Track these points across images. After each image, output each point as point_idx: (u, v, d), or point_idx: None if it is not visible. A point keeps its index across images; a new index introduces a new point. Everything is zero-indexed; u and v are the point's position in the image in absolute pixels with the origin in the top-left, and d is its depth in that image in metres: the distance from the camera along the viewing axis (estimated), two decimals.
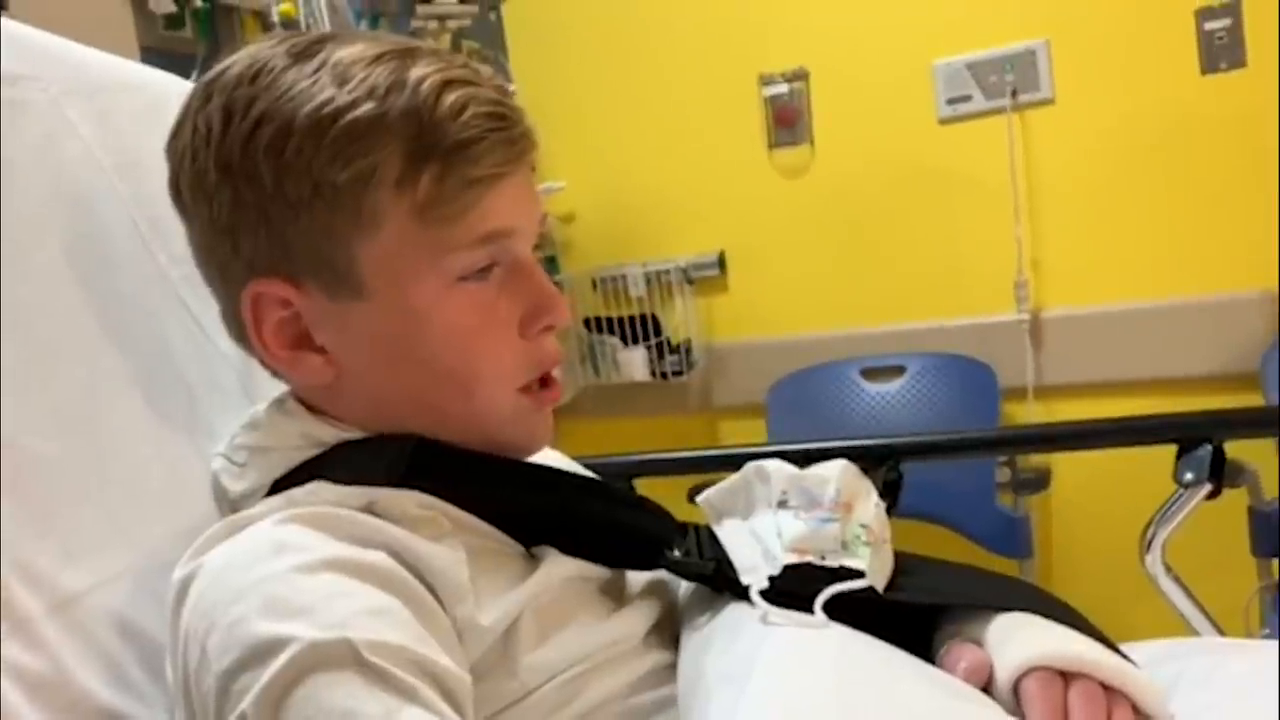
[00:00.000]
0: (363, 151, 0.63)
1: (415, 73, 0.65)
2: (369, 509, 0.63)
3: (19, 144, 0.77)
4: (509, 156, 0.66)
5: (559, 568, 0.68)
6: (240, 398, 0.83)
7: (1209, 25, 1.86)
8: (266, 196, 0.64)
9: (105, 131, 0.85)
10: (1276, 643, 0.64)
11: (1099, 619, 0.66)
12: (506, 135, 0.66)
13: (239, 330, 0.70)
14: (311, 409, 0.71)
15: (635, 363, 2.34)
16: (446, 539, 0.63)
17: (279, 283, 0.66)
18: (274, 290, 0.67)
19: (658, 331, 2.33)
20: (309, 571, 0.57)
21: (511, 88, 0.71)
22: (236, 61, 0.68)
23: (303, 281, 0.66)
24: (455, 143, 0.64)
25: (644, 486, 1.11)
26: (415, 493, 0.65)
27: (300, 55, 0.66)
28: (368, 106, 0.63)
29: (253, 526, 0.61)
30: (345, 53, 0.66)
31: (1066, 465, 1.96)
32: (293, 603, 0.55)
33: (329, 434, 0.69)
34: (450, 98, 0.64)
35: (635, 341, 2.34)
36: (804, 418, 2.13)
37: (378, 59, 0.65)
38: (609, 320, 2.37)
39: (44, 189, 0.78)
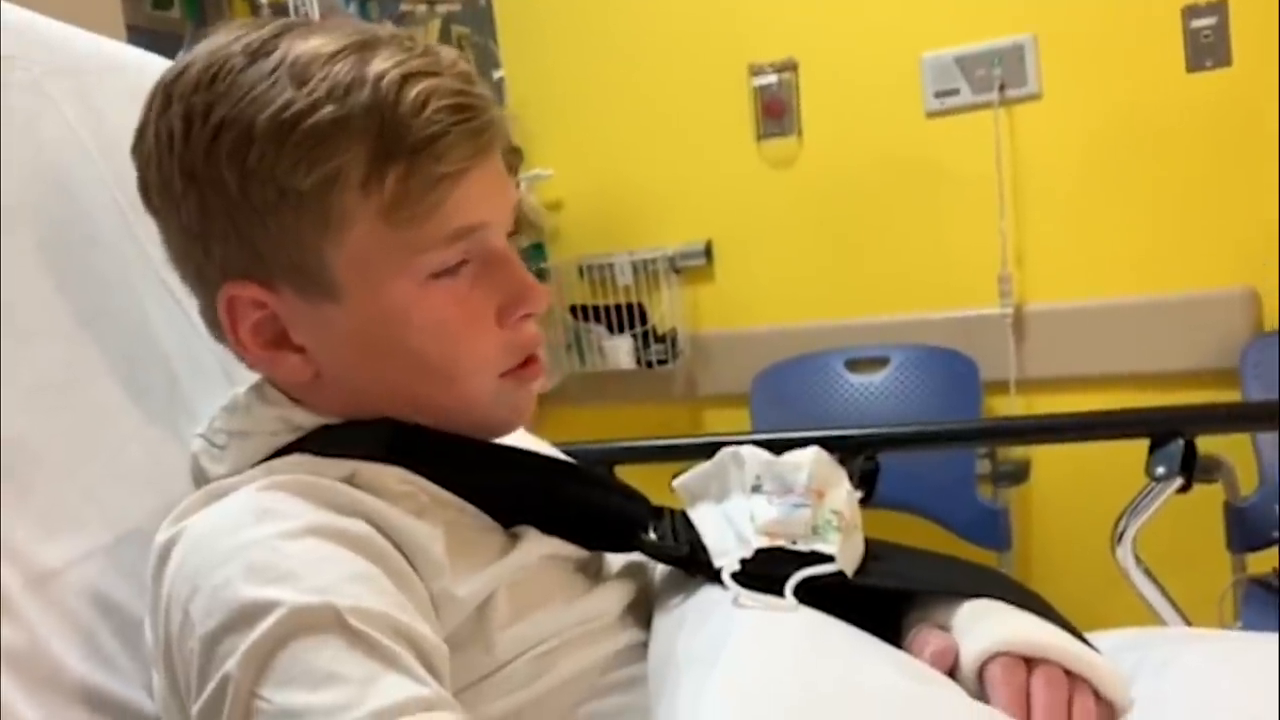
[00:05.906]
0: (326, 155, 0.62)
1: (374, 68, 0.63)
2: (349, 480, 0.64)
3: (1, 125, 0.78)
4: (475, 149, 0.65)
5: (537, 546, 0.68)
6: (221, 378, 0.83)
7: (1195, 23, 1.86)
8: (232, 203, 0.64)
9: (88, 112, 0.85)
10: (1235, 631, 0.65)
11: (1076, 610, 0.67)
12: (471, 127, 0.64)
13: (217, 329, 0.70)
14: (291, 397, 0.71)
15: (621, 351, 2.34)
16: (425, 514, 0.64)
17: (253, 286, 0.66)
18: (248, 293, 0.66)
19: (643, 320, 2.33)
20: (292, 537, 0.57)
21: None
22: (193, 62, 0.66)
23: (276, 284, 0.66)
24: (418, 140, 0.62)
25: (625, 473, 1.12)
26: (395, 468, 0.66)
27: (257, 53, 0.64)
28: (328, 109, 0.62)
29: (234, 493, 0.62)
30: (303, 48, 0.64)
31: (1046, 458, 1.97)
32: (277, 567, 0.55)
33: (308, 420, 0.69)
34: (411, 93, 0.62)
35: (621, 330, 2.34)
36: (787, 408, 2.13)
37: (335, 55, 0.63)
38: (595, 308, 2.38)
39: (25, 169, 0.79)
